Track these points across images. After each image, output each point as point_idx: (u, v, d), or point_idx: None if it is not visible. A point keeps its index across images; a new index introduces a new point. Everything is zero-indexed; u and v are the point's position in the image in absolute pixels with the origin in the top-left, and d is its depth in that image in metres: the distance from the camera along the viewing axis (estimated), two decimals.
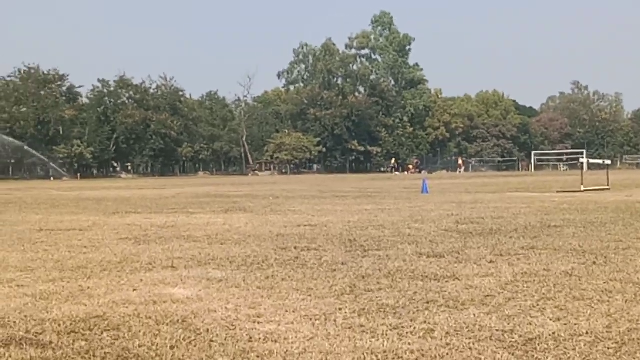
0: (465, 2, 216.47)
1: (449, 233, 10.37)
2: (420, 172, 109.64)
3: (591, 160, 31.31)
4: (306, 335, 4.44)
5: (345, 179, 60.84)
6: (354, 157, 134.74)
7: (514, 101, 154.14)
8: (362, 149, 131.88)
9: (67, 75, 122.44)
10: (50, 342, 4.34)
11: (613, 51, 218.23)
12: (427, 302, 5.33)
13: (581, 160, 31.99)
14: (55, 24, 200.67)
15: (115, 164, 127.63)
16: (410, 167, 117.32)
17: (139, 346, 4.23)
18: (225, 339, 4.37)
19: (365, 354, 4.01)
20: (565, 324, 4.69)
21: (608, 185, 28.43)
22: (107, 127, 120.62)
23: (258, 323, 4.76)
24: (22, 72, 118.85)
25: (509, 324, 4.69)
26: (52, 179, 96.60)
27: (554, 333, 4.47)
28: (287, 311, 5.10)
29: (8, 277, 6.81)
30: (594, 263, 7.28)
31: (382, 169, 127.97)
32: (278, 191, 30.87)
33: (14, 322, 4.86)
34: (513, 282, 6.19)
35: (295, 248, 8.83)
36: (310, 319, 4.84)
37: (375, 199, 22.07)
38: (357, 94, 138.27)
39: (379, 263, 7.38)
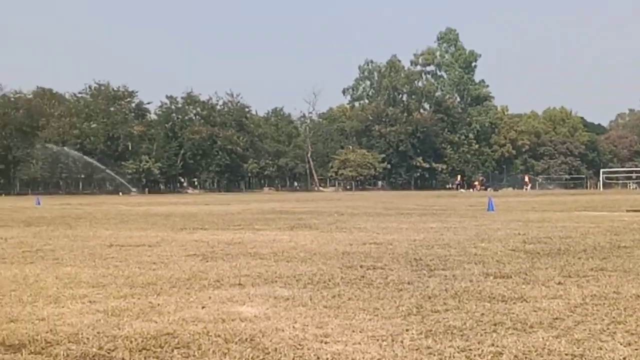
0: (532, 18, 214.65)
1: (516, 253, 10.25)
2: (486, 189, 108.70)
3: None
4: (373, 356, 4.43)
5: (409, 196, 60.54)
6: (418, 174, 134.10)
7: (582, 118, 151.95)
8: (427, 165, 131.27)
9: (136, 92, 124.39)
10: (123, 359, 4.41)
11: None
12: (495, 324, 5.28)
13: None
14: (126, 41, 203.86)
15: (182, 179, 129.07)
16: (476, 184, 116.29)
17: None
18: (293, 359, 4.40)
19: None
20: (636, 349, 4.61)
21: None
22: (175, 142, 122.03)
23: (325, 343, 4.77)
24: (93, 88, 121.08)
25: (578, 348, 4.63)
26: (120, 193, 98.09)
27: (624, 358, 4.41)
28: (354, 331, 5.10)
29: (80, 292, 6.92)
30: None
31: (447, 186, 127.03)
32: (343, 208, 30.85)
33: (87, 339, 4.93)
34: (582, 304, 6.09)
35: (361, 267, 8.81)
36: (377, 340, 4.83)
37: (440, 216, 21.91)
38: (422, 110, 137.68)
39: (446, 283, 7.32)
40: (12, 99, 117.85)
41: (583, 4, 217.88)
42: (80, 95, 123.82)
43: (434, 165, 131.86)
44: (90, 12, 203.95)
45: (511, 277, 7.73)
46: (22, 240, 13.71)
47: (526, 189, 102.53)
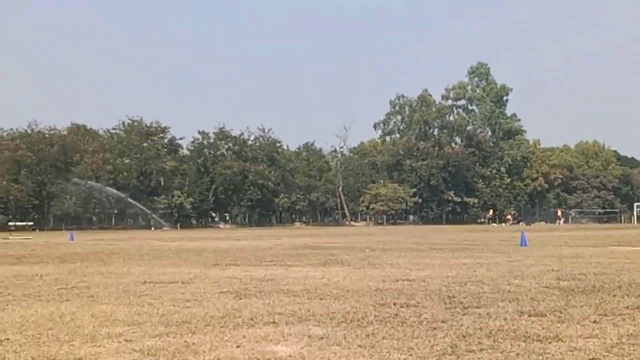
0: (564, 52, 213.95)
1: (550, 290, 10.17)
2: (518, 223, 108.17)
3: None
4: None
5: (441, 230, 60.28)
6: (450, 208, 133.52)
7: (615, 151, 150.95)
8: (459, 199, 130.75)
9: (169, 128, 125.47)
10: None
11: None
12: None
13: None
14: (159, 77, 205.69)
15: (214, 214, 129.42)
16: (509, 217, 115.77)
17: None
18: None
19: None
20: None
21: None
22: (207, 177, 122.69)
23: None
24: (126, 124, 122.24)
25: None
26: (153, 228, 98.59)
27: None
28: None
29: (116, 331, 6.97)
30: None
31: (479, 220, 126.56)
32: (374, 243, 30.78)
33: None
34: (619, 344, 6.04)
35: (394, 304, 8.79)
36: None
37: (472, 252, 21.80)
38: (453, 144, 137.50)
39: (480, 321, 7.28)
40: (47, 135, 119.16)
41: (616, 37, 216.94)
42: (113, 131, 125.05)
43: (465, 199, 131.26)
44: (124, 49, 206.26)
45: (546, 315, 7.68)
46: (57, 277, 13.80)
47: (559, 224, 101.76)
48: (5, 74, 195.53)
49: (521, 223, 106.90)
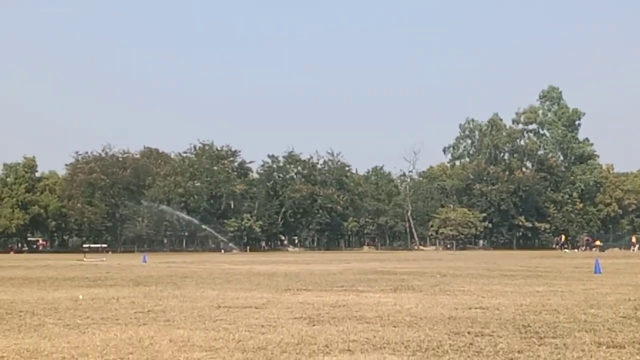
0: (637, 75, 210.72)
1: (627, 320, 10.00)
2: (591, 249, 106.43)
3: None
4: None
5: (512, 256, 59.62)
6: (520, 233, 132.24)
7: None
8: (530, 224, 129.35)
9: (239, 151, 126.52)
10: None
11: None
12: None
13: None
14: (230, 101, 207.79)
15: (283, 237, 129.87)
16: (598, 243, 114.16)
17: None
18: None
19: None
20: None
21: None
22: (276, 201, 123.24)
23: None
24: (197, 148, 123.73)
25: None
26: (222, 251, 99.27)
27: None
28: None
29: (194, 357, 7.05)
30: None
31: (552, 246, 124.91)
32: (444, 268, 30.62)
33: None
34: None
35: (468, 333, 8.73)
36: None
37: (545, 279, 21.55)
38: (524, 169, 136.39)
39: (557, 352, 7.20)
40: (120, 159, 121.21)
41: None
42: (185, 154, 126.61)
43: (536, 224, 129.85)
44: (195, 74, 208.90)
45: (624, 347, 7.55)
46: (133, 300, 14.02)
47: (634, 250, 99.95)
48: (81, 99, 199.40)
49: (594, 249, 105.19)
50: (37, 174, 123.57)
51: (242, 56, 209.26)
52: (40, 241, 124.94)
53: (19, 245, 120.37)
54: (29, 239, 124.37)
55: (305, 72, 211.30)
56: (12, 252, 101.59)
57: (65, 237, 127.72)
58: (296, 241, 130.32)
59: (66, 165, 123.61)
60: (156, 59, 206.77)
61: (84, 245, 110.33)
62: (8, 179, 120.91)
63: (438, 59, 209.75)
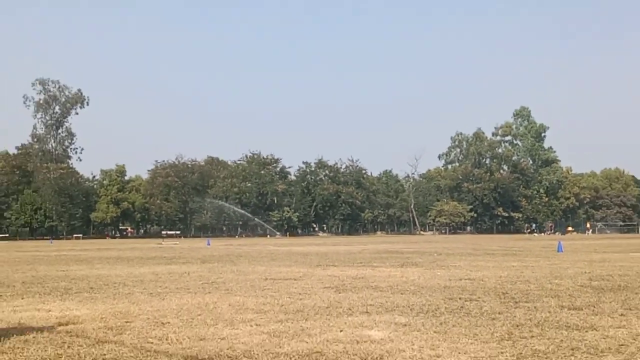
0: (591, 94, 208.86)
1: (584, 288, 9.92)
2: (554, 233, 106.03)
3: None
4: None
5: (492, 239, 59.31)
6: (499, 221, 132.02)
7: (633, 176, 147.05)
8: (506, 214, 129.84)
9: (280, 159, 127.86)
10: None
11: None
12: (572, 349, 5.14)
13: None
14: (276, 117, 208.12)
15: (314, 225, 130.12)
16: (570, 228, 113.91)
17: None
18: None
19: None
20: None
21: None
22: (309, 197, 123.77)
23: None
24: (248, 156, 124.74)
25: None
26: (268, 236, 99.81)
27: None
28: (459, 353, 5.05)
29: (248, 317, 7.07)
30: None
31: (524, 231, 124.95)
32: (440, 249, 30.49)
33: (257, 355, 5.03)
34: None
35: (459, 298, 8.67)
36: None
37: (519, 256, 21.41)
38: (501, 171, 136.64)
39: (529, 313, 7.15)
40: (189, 165, 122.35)
41: (634, 84, 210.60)
42: (239, 161, 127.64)
43: (511, 214, 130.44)
44: (248, 96, 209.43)
45: (582, 309, 7.49)
46: (201, 274, 14.06)
47: (588, 233, 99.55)
48: (159, 118, 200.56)
49: (557, 233, 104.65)
50: (126, 178, 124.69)
51: (281, 80, 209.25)
52: (129, 229, 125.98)
53: (113, 232, 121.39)
54: (120, 227, 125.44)
55: (334, 94, 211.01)
56: (107, 238, 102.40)
57: (148, 226, 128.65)
58: (325, 228, 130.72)
59: (148, 170, 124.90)
60: (216, 85, 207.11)
61: (162, 232, 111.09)
62: (104, 182, 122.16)
63: (432, 84, 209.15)
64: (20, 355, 5.09)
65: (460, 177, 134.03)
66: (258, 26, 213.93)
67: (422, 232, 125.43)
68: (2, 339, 5.75)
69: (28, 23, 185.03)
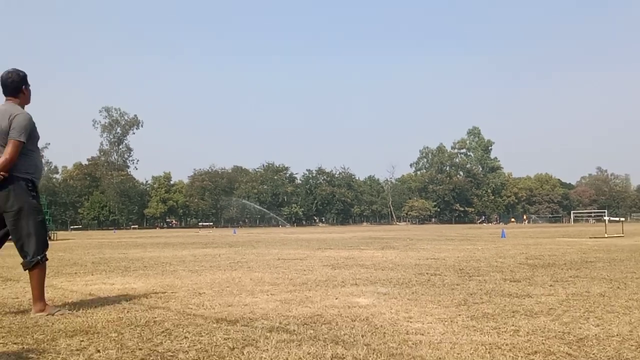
0: (526, 116, 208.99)
1: (521, 265, 9.92)
2: (499, 223, 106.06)
3: (611, 218, 29.14)
4: (440, 331, 4.40)
5: (451, 228, 59.30)
6: (457, 214, 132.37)
7: (559, 179, 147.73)
8: (462, 209, 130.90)
9: (289, 167, 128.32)
10: (293, 331, 4.48)
11: (625, 145, 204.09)
12: (513, 312, 5.14)
13: (604, 217, 29.90)
14: (283, 133, 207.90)
15: (315, 218, 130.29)
16: (512, 220, 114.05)
17: (343, 334, 4.31)
18: (392, 332, 4.38)
19: (477, 345, 3.94)
20: (602, 329, 4.43)
21: (622, 233, 26.45)
22: (311, 196, 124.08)
23: (410, 322, 4.75)
24: (264, 165, 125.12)
25: (566, 328, 4.48)
26: (280, 227, 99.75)
27: (595, 335, 4.24)
28: (427, 315, 5.06)
29: (265, 288, 7.07)
30: (618, 287, 6.79)
31: (475, 222, 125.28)
32: (412, 235, 30.46)
33: (272, 317, 5.05)
34: (566, 300, 5.86)
35: (426, 273, 8.66)
36: (442, 321, 4.78)
37: (472, 241, 21.40)
38: (458, 176, 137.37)
39: (480, 285, 7.15)
40: (219, 172, 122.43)
41: (557, 107, 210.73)
42: (257, 169, 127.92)
43: (466, 209, 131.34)
44: (265, 117, 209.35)
45: (520, 281, 7.48)
46: (228, 255, 14.06)
47: (524, 224, 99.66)
48: (195, 135, 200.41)
49: (501, 223, 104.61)
50: (171, 182, 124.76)
51: (291, 108, 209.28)
52: (173, 222, 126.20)
53: (161, 224, 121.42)
54: (166, 220, 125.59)
55: (330, 117, 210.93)
56: (157, 228, 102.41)
57: (188, 219, 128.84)
58: (323, 220, 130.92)
59: (188, 176, 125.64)
60: (242, 110, 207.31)
61: (199, 224, 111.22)
62: (154, 185, 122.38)
63: (407, 107, 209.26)
64: (91, 318, 5.10)
65: (427, 181, 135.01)
66: (274, 67, 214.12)
67: (397, 223, 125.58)
68: (77, 306, 5.76)
69: (97, 66, 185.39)
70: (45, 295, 6.43)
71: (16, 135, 5.00)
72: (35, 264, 5.20)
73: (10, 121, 5.02)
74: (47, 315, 5.19)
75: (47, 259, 5.35)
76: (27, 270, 5.27)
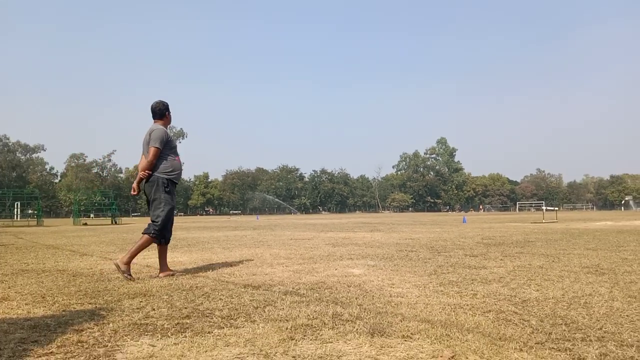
0: (482, 129, 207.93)
1: (478, 244, 9.86)
2: (461, 212, 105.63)
3: (547, 208, 29.03)
4: (416, 294, 4.39)
5: (424, 216, 59.10)
6: (428, 205, 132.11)
7: (507, 177, 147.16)
8: (433, 201, 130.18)
9: (299, 168, 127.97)
10: (303, 294, 4.47)
11: (559, 150, 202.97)
12: (472, 280, 5.12)
13: (542, 207, 29.85)
14: (294, 141, 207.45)
15: (320, 207, 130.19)
16: (481, 208, 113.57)
17: (341, 297, 4.31)
18: (379, 295, 4.38)
19: (445, 306, 3.93)
20: (541, 293, 4.41)
21: (557, 220, 26.34)
22: (316, 191, 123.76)
23: (393, 288, 4.74)
24: (280, 167, 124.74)
25: (513, 292, 4.46)
26: (292, 214, 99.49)
27: (536, 297, 4.23)
28: (406, 282, 5.04)
29: (281, 262, 7.05)
30: (553, 261, 6.73)
31: (443, 210, 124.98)
32: (393, 220, 30.35)
33: (287, 283, 5.04)
34: (513, 271, 5.82)
35: (405, 250, 8.63)
36: (417, 287, 4.76)
37: (440, 225, 21.31)
38: (429, 175, 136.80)
39: (446, 259, 7.12)
40: (246, 172, 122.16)
41: (508, 121, 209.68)
42: (274, 170, 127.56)
43: (435, 200, 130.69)
44: (279, 127, 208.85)
45: (477, 256, 7.44)
46: (252, 236, 14.01)
47: (480, 212, 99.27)
48: (229, 146, 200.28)
49: (462, 212, 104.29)
50: (209, 180, 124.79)
51: (302, 120, 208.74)
52: (210, 210, 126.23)
53: (201, 212, 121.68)
54: (205, 209, 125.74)
55: (333, 128, 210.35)
56: (198, 215, 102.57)
57: (222, 208, 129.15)
58: (326, 209, 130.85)
59: (222, 175, 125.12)
60: (265, 124, 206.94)
61: (230, 212, 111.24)
62: (196, 182, 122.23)
63: (391, 123, 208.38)
64: (148, 284, 5.11)
65: (405, 179, 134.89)
66: (288, 92, 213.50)
67: (383, 212, 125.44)
68: (137, 274, 5.77)
69: (154, 90, 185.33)
70: (113, 266, 6.43)
71: (153, 143, 5.46)
72: (147, 233, 5.55)
73: (150, 134, 5.51)
74: (123, 272, 5.46)
75: (155, 237, 5.57)
76: (142, 234, 5.62)
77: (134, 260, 6.87)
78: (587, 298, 4.18)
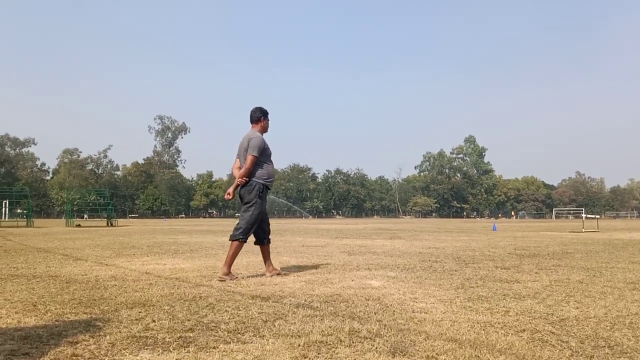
0: (515, 128, 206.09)
1: (511, 255, 9.76)
2: (491, 218, 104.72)
3: (588, 215, 28.68)
4: (442, 310, 4.36)
5: (450, 222, 58.69)
6: (454, 210, 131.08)
7: (543, 181, 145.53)
8: (459, 205, 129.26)
9: (312, 167, 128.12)
10: (316, 307, 4.47)
11: (601, 152, 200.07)
12: (504, 295, 5.07)
13: (582, 214, 29.45)
14: (306, 141, 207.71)
15: (334, 211, 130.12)
16: (512, 214, 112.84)
17: (359, 311, 4.29)
18: (400, 310, 4.35)
19: (474, 323, 3.90)
20: (581, 311, 4.35)
21: (598, 229, 25.97)
22: (330, 193, 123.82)
23: (416, 302, 4.71)
24: (291, 166, 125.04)
25: (549, 309, 4.41)
26: (303, 218, 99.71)
27: (575, 316, 4.17)
28: (430, 296, 5.01)
29: (292, 270, 7.08)
30: (594, 275, 6.64)
31: (470, 216, 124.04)
32: (415, 227, 30.21)
33: (298, 295, 5.04)
34: (550, 285, 5.75)
35: (429, 260, 8.58)
36: (443, 302, 4.73)
37: (468, 233, 21.14)
38: (456, 177, 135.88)
39: (475, 271, 7.05)
40: None
41: (539, 119, 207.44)
42: (283, 169, 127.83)
43: (462, 205, 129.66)
44: (292, 128, 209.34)
45: (510, 269, 7.37)
46: None
47: (513, 219, 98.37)
48: (234, 139, 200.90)
49: (492, 218, 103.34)
50: (213, 179, 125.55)
51: (314, 120, 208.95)
52: (214, 212, 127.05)
53: (204, 214, 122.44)
54: (209, 211, 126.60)
55: (347, 126, 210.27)
56: (201, 218, 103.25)
57: (227, 210, 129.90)
58: (340, 213, 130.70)
59: (227, 174, 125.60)
60: (275, 116, 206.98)
61: (236, 214, 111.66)
62: (199, 181, 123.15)
63: (415, 120, 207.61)
64: (147, 293, 5.16)
65: (429, 181, 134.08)
66: (299, 82, 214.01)
67: (403, 217, 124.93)
68: (135, 282, 5.83)
69: (153, 81, 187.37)
70: (109, 272, 6.51)
71: (251, 151, 6.10)
72: (236, 239, 6.20)
73: (249, 142, 6.15)
74: (226, 280, 5.98)
75: (245, 241, 6.29)
76: (230, 241, 6.25)
77: (189, 266, 6.90)
78: (632, 317, 4.11)
